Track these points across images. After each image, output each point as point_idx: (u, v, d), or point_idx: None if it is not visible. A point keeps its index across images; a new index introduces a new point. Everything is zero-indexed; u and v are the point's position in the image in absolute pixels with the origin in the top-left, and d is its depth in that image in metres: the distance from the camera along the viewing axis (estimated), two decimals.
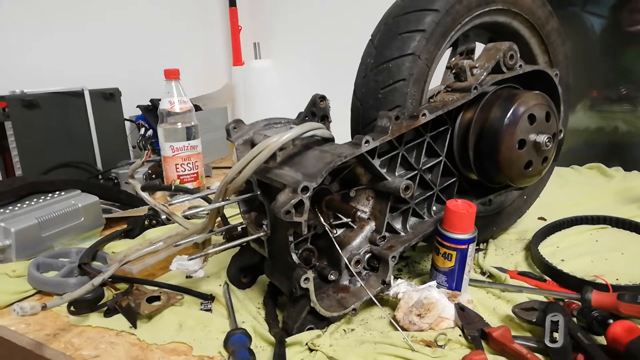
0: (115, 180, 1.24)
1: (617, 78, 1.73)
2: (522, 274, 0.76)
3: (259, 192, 0.67)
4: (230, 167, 0.67)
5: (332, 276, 0.68)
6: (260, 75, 1.84)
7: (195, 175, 1.22)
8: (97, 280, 0.68)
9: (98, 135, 1.33)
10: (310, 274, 0.60)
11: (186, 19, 1.84)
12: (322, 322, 0.64)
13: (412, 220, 0.74)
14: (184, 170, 1.20)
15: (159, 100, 1.22)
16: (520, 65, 0.76)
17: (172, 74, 1.20)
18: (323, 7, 1.81)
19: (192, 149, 1.21)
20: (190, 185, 1.22)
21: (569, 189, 1.18)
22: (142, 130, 0.82)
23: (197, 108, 1.74)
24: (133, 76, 1.61)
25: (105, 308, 0.71)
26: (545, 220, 0.99)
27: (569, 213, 0.98)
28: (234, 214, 0.93)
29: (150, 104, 1.58)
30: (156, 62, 1.66)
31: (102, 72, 1.50)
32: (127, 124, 1.53)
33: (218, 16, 1.97)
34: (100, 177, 1.28)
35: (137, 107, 1.58)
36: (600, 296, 0.63)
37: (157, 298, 0.73)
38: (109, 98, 1.39)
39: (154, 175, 1.27)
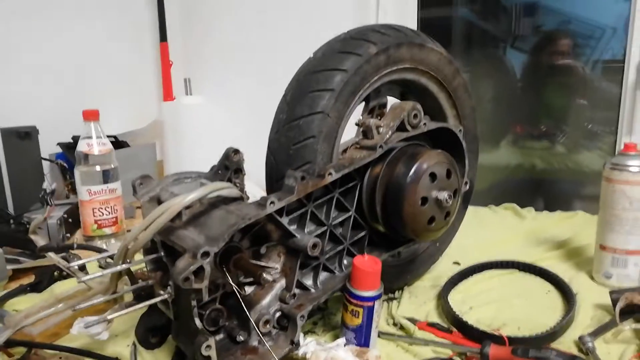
0: (27, 226, 1.17)
1: (538, 114, 1.85)
2: (431, 324, 0.78)
3: (162, 254, 0.65)
4: None
5: (240, 337, 0.67)
6: (191, 112, 1.82)
7: (114, 219, 1.18)
8: None
9: (10, 177, 1.25)
10: (211, 341, 0.59)
11: (114, 52, 1.80)
12: None
13: (323, 275, 0.75)
14: (101, 214, 1.15)
15: None
16: (425, 123, 0.79)
17: (90, 115, 1.16)
18: (257, 46, 1.83)
19: (110, 193, 1.16)
20: (108, 230, 1.17)
21: (484, 230, 1.23)
22: (45, 184, 0.78)
23: (124, 144, 1.69)
24: (54, 111, 1.54)
25: None
26: (459, 264, 1.03)
27: (483, 256, 1.03)
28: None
29: (72, 141, 1.52)
30: (80, 96, 1.61)
31: (20, 108, 1.43)
32: (46, 163, 1.45)
33: (149, 50, 1.94)
34: (11, 222, 1.20)
35: (57, 144, 1.51)
36: (497, 350, 0.65)
37: None
38: (24, 137, 1.32)
39: (70, 219, 1.22)
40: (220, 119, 1.84)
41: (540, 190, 1.92)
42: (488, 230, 1.23)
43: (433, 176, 0.73)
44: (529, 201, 1.46)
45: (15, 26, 1.47)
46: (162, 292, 0.66)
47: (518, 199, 1.47)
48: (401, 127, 0.77)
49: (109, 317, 0.63)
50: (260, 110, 1.58)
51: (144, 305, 0.67)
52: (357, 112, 0.83)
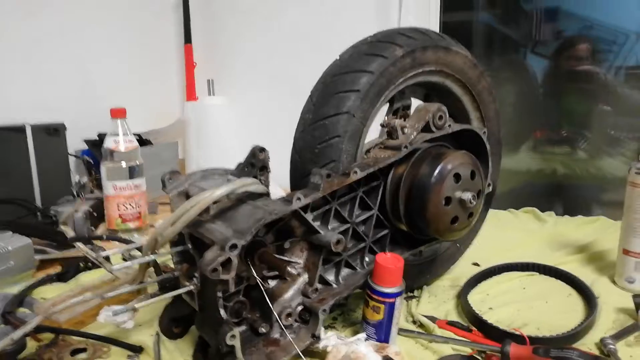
0: (54, 218, 1.21)
1: (559, 119, 1.84)
2: (451, 323, 0.79)
3: (190, 246, 0.67)
4: None
5: (263, 329, 0.68)
6: (213, 112, 1.85)
7: (137, 214, 1.20)
8: (18, 334, 0.66)
9: (39, 171, 1.29)
10: (236, 332, 0.61)
11: (141, 53, 1.84)
12: None
13: (344, 271, 0.76)
14: (126, 209, 1.18)
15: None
16: (449, 125, 0.80)
17: (118, 113, 1.19)
18: (279, 48, 1.85)
19: (135, 188, 1.19)
20: (132, 225, 1.20)
21: (504, 233, 1.23)
22: (77, 177, 0.81)
23: (148, 142, 1.73)
24: (82, 109, 1.58)
25: None
26: (479, 265, 1.03)
27: (503, 258, 1.03)
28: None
29: (97, 138, 1.55)
30: (107, 95, 1.65)
31: (48, 105, 1.47)
32: (72, 159, 1.49)
33: (173, 52, 1.98)
34: (38, 214, 1.24)
35: (83, 141, 1.55)
36: (517, 349, 0.66)
37: (83, 350, 0.71)
38: (52, 133, 1.36)
39: (95, 213, 1.25)
40: (242, 120, 1.87)
41: (559, 196, 1.90)
42: (508, 233, 1.23)
43: (457, 177, 0.73)
44: (548, 206, 1.45)
45: (44, 25, 1.51)
46: (187, 283, 0.67)
47: (537, 203, 1.46)
48: (426, 128, 0.78)
49: (137, 305, 0.65)
50: (282, 111, 1.61)
51: (169, 296, 0.68)
52: (381, 114, 0.84)
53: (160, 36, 1.92)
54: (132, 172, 1.18)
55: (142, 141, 1.69)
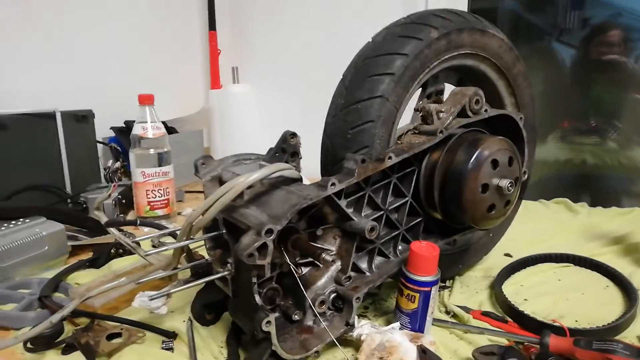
0: (84, 205, 1.22)
1: (587, 109, 1.79)
2: (485, 314, 0.77)
3: (224, 231, 0.67)
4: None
5: (296, 316, 0.68)
6: (238, 100, 1.85)
7: (166, 201, 1.21)
8: (56, 318, 0.67)
9: (69, 157, 1.31)
10: (272, 317, 0.60)
11: (165, 41, 1.84)
12: None
13: (377, 259, 0.75)
14: (154, 196, 1.19)
15: (133, 122, 1.21)
16: (486, 110, 0.78)
17: (146, 100, 1.20)
18: (304, 35, 1.84)
19: (163, 175, 1.20)
20: (160, 212, 1.20)
21: (535, 224, 1.20)
22: (110, 162, 0.81)
23: (173, 130, 1.73)
24: (108, 97, 1.59)
25: (64, 345, 0.70)
26: (511, 256, 1.01)
27: (535, 249, 1.00)
28: (202, 244, 0.92)
29: (124, 125, 1.57)
30: (133, 83, 1.65)
31: (76, 93, 1.48)
32: (100, 146, 1.50)
33: (197, 39, 1.97)
34: (69, 201, 1.25)
35: (110, 128, 1.56)
36: (557, 341, 0.64)
37: (118, 335, 0.71)
38: (81, 120, 1.37)
39: (124, 201, 1.26)
40: (267, 107, 1.86)
41: (588, 187, 1.86)
42: (540, 224, 1.20)
43: (495, 163, 0.71)
44: (577, 197, 1.42)
45: (72, 15, 1.52)
46: (221, 269, 0.67)
47: (565, 194, 1.43)
48: (462, 113, 0.76)
49: (172, 290, 0.65)
50: (307, 98, 1.60)
51: (203, 282, 0.68)
52: (413, 100, 0.82)
53: (185, 23, 1.92)
54: (161, 159, 1.19)
55: (168, 129, 1.69)
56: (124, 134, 1.52)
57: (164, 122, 1.64)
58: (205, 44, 1.95)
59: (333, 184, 0.64)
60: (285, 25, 1.87)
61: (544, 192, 1.54)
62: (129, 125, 1.50)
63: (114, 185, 0.82)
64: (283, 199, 0.64)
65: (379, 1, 1.67)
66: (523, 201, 1.09)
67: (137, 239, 0.65)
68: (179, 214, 1.30)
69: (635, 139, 1.74)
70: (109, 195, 0.80)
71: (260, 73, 1.94)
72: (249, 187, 0.64)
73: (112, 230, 0.73)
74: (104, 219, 0.77)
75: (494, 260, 0.98)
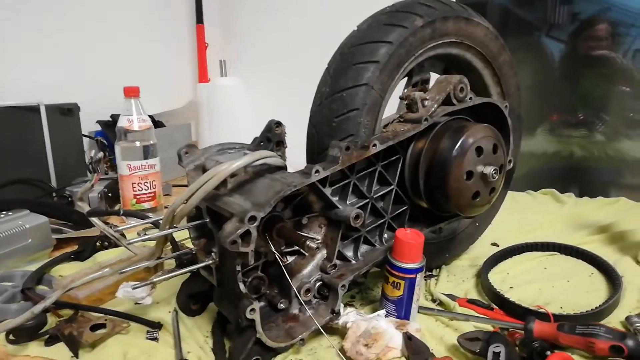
0: (69, 199, 1.21)
1: (576, 103, 1.80)
2: (471, 301, 0.77)
3: (208, 220, 0.66)
4: None
5: (282, 305, 0.68)
6: (225, 93, 1.84)
7: (152, 194, 1.20)
8: (38, 308, 0.66)
9: (53, 151, 1.29)
10: (256, 305, 0.60)
11: (152, 34, 1.82)
12: (269, 353, 0.64)
13: (363, 248, 0.75)
14: (140, 189, 1.18)
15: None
16: (471, 98, 0.78)
17: (131, 92, 1.18)
18: (291, 28, 1.83)
19: (149, 168, 1.19)
20: (147, 205, 1.19)
21: (522, 214, 1.21)
22: (93, 152, 0.80)
23: (160, 124, 1.72)
24: (95, 91, 1.57)
25: (47, 336, 0.69)
26: (497, 246, 1.01)
27: (522, 239, 1.01)
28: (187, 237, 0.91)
29: (110, 119, 1.55)
30: (119, 76, 1.63)
31: (62, 86, 1.46)
32: (86, 139, 1.49)
33: (185, 32, 1.96)
34: (54, 194, 1.24)
35: (96, 122, 1.54)
36: (541, 326, 0.64)
37: (102, 326, 0.71)
38: (66, 113, 1.36)
39: (110, 194, 1.25)
40: (255, 101, 1.85)
41: (576, 178, 1.87)
42: (527, 214, 1.21)
43: (479, 150, 0.72)
44: (565, 189, 1.43)
45: (57, 7, 1.50)
46: (205, 258, 0.67)
47: (554, 186, 1.43)
48: (446, 101, 0.75)
49: (155, 279, 0.64)
50: (295, 91, 1.59)
51: (188, 271, 0.68)
52: (399, 89, 0.82)
53: (172, 16, 1.90)
54: (147, 152, 1.18)
55: (155, 123, 1.68)
56: (110, 128, 1.50)
57: (151, 116, 1.64)
58: (193, 37, 1.94)
59: (317, 171, 0.64)
60: (273, 18, 1.86)
61: (532, 184, 1.54)
62: (115, 119, 1.48)
63: (97, 175, 0.81)
64: (267, 186, 0.63)
65: None
66: (510, 192, 1.10)
67: (119, 228, 0.64)
68: (166, 207, 1.28)
69: (622, 131, 1.75)
70: (92, 185, 0.79)
71: (248, 66, 1.93)
72: (233, 175, 0.64)
73: (95, 220, 0.73)
74: (86, 209, 0.76)
75: (481, 250, 0.98)
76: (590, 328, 0.61)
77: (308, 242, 0.62)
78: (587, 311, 0.72)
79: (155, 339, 0.69)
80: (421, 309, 0.75)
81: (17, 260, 0.92)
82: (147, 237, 0.63)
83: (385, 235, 0.77)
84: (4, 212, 0.95)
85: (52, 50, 1.48)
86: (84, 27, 1.58)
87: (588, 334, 0.61)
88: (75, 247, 0.99)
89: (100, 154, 0.87)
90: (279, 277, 0.68)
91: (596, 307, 0.73)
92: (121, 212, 0.98)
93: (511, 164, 0.85)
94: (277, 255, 0.65)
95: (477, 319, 0.72)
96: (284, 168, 0.70)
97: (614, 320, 0.72)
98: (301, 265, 0.71)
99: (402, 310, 0.70)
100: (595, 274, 0.88)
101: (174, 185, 1.51)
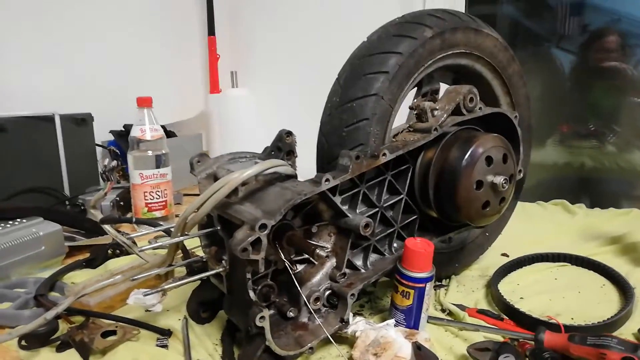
0: (82, 207, 1.22)
1: (586, 113, 1.80)
2: (481, 312, 0.77)
3: (219, 227, 0.67)
4: None
5: (291, 313, 0.68)
6: (237, 104, 1.85)
7: (163, 203, 1.21)
8: (50, 314, 0.67)
9: (67, 160, 1.31)
10: (266, 313, 0.60)
11: (164, 45, 1.84)
12: None
13: (372, 257, 0.75)
14: (152, 198, 1.19)
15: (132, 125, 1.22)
16: (480, 108, 0.78)
17: (144, 102, 1.20)
18: (302, 39, 1.84)
19: (161, 177, 1.20)
20: (158, 214, 1.21)
21: (533, 224, 1.20)
22: (107, 161, 0.81)
23: (172, 134, 1.74)
24: (107, 100, 1.59)
25: (59, 342, 0.70)
26: (507, 256, 1.01)
27: (532, 249, 1.00)
28: (198, 245, 0.92)
29: (123, 129, 1.57)
30: (132, 87, 1.65)
31: (75, 96, 1.49)
32: (99, 149, 1.51)
33: (197, 44, 1.98)
34: (67, 203, 1.25)
35: (109, 132, 1.57)
36: (552, 337, 0.64)
37: (113, 332, 0.71)
38: (80, 123, 1.38)
39: (122, 202, 1.26)
40: (266, 112, 1.86)
41: (587, 190, 1.86)
42: (537, 225, 1.20)
43: (489, 160, 0.72)
44: (576, 200, 1.42)
45: (71, 19, 1.53)
46: (216, 266, 0.67)
47: (564, 197, 1.42)
48: (456, 111, 0.76)
49: (166, 287, 0.65)
50: (305, 102, 1.61)
51: (198, 278, 0.69)
52: (408, 100, 0.83)
53: (184, 28, 1.93)
54: (159, 161, 1.19)
55: (167, 133, 1.70)
56: (123, 138, 1.52)
57: (163, 126, 1.66)
58: (205, 49, 1.96)
59: (327, 180, 0.64)
60: (283, 30, 1.88)
61: (543, 195, 1.53)
62: (128, 129, 1.50)
63: (110, 184, 0.82)
64: (277, 194, 0.64)
65: (377, 6, 1.68)
66: (520, 203, 1.10)
67: (131, 235, 0.65)
68: (177, 216, 1.30)
69: (634, 142, 1.74)
70: (105, 193, 0.80)
71: (259, 77, 1.95)
72: (244, 183, 0.65)
73: (107, 227, 0.74)
74: (99, 216, 0.77)
75: (491, 260, 0.98)
76: (602, 339, 0.60)
77: (318, 251, 0.62)
78: (598, 322, 0.71)
79: (165, 346, 0.70)
80: (430, 318, 0.75)
81: (30, 267, 0.93)
82: (158, 244, 0.64)
83: (395, 245, 0.77)
84: (18, 220, 0.96)
85: (68, 62, 1.51)
86: (99, 39, 1.61)
87: (600, 345, 0.60)
88: (88, 255, 1.00)
89: (114, 163, 0.88)
90: (288, 286, 0.68)
91: (608, 319, 0.72)
92: (134, 219, 0.99)
93: (521, 174, 0.85)
94: (286, 264, 0.65)
95: (487, 329, 0.72)
96: (295, 177, 0.70)
97: (627, 332, 0.71)
98: (311, 273, 0.71)
99: (411, 320, 0.70)
100: (607, 285, 0.88)
101: (185, 194, 1.52)
